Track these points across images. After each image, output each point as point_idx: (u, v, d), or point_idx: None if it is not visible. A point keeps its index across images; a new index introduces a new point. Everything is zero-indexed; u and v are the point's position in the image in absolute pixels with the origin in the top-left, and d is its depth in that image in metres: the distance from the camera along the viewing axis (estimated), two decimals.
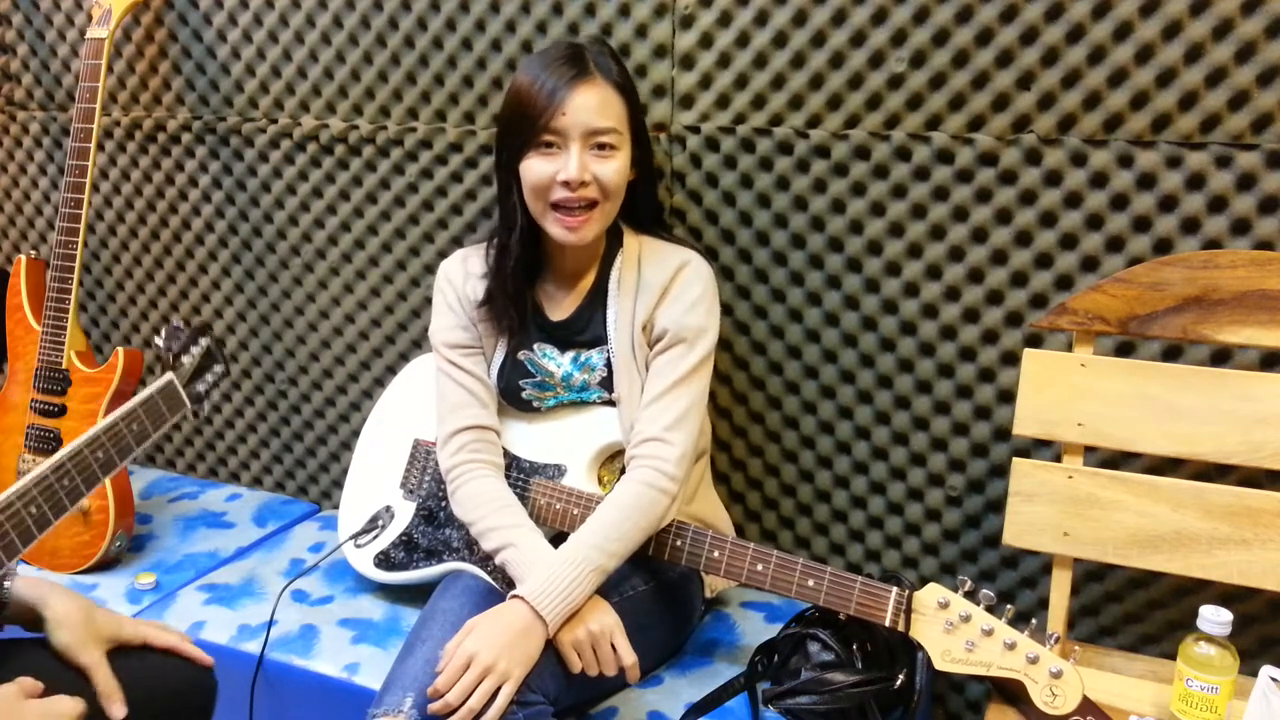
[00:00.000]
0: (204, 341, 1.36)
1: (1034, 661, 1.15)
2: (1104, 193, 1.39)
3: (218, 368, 1.39)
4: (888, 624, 1.22)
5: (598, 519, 1.31)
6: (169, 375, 1.27)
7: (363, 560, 1.55)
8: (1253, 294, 1.24)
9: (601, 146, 1.33)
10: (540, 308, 1.45)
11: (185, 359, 1.34)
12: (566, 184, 1.32)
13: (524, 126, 1.33)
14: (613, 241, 1.44)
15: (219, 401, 2.09)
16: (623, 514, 1.30)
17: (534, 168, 1.33)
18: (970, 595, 1.19)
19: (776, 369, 1.64)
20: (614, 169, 1.34)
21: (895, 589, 1.22)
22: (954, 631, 1.19)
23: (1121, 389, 1.30)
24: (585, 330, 1.43)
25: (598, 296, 1.43)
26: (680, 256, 1.42)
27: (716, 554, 1.31)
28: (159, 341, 1.34)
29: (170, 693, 1.25)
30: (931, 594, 1.20)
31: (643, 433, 1.36)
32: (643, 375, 1.41)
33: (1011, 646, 1.16)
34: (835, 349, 1.59)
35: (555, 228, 1.35)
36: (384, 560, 1.53)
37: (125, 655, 1.25)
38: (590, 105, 1.31)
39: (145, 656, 1.26)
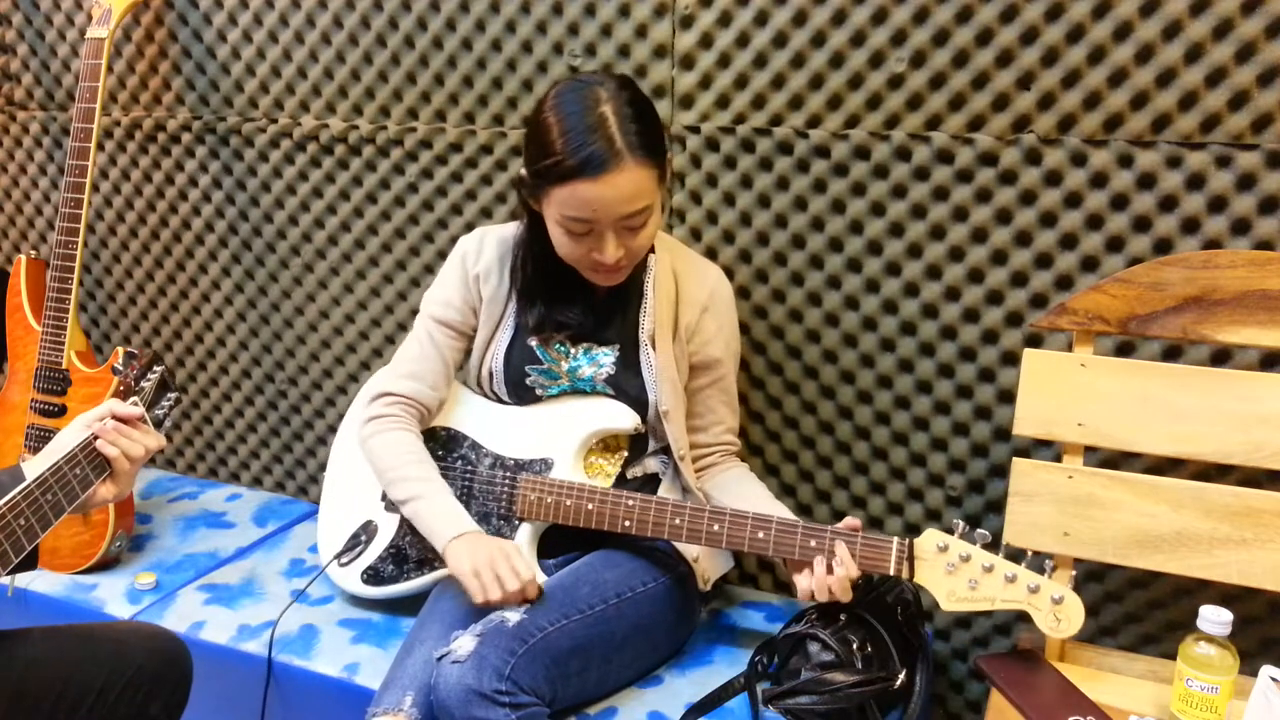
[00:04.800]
0: (159, 369, 1.39)
1: (1035, 591, 1.22)
2: (1104, 193, 1.39)
3: (171, 394, 1.41)
4: (892, 573, 1.27)
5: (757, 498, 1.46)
6: (134, 399, 1.28)
7: (349, 578, 1.54)
8: (1253, 294, 1.24)
9: (632, 228, 1.28)
10: (559, 298, 1.42)
11: (144, 384, 1.35)
12: (600, 262, 1.30)
13: (556, 200, 1.26)
14: None
15: (219, 401, 2.09)
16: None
17: (562, 241, 1.30)
18: (966, 537, 1.25)
19: (777, 369, 1.64)
20: (646, 236, 1.31)
21: (896, 539, 1.27)
22: (956, 572, 1.24)
23: (1121, 389, 1.30)
24: (605, 327, 1.43)
25: (621, 297, 1.42)
26: (710, 272, 1.46)
27: (716, 527, 1.31)
28: (117, 366, 1.35)
29: (143, 671, 1.25)
30: (930, 539, 1.26)
31: (729, 442, 1.52)
32: (683, 378, 1.45)
33: (1012, 579, 1.22)
34: (835, 349, 1.59)
35: (591, 276, 1.36)
36: (373, 575, 1.51)
37: (96, 637, 1.25)
38: (623, 195, 1.23)
39: (117, 636, 1.26)
